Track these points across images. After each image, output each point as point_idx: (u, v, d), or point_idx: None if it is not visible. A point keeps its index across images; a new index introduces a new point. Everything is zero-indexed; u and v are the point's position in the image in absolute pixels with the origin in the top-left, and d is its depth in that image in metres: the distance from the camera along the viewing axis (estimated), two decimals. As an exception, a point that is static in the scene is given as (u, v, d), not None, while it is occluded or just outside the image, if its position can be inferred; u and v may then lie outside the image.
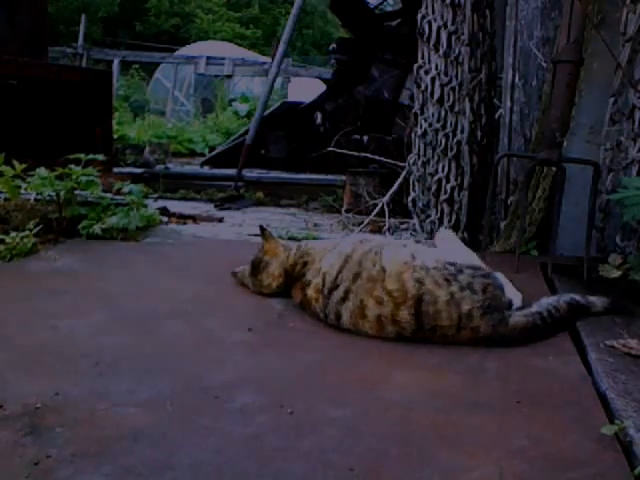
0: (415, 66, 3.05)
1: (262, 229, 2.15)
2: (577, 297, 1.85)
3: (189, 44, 16.25)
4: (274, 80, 5.58)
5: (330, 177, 4.68)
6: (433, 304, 1.65)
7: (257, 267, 2.09)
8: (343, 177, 4.07)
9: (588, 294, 1.91)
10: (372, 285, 1.72)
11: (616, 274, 2.39)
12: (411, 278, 1.69)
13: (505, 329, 1.67)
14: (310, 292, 1.88)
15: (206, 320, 1.87)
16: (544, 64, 2.90)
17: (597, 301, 1.88)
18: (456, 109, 2.92)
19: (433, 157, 3.00)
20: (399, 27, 5.82)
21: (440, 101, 2.94)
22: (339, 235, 3.18)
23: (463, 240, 2.92)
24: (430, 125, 2.98)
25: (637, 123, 2.51)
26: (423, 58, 3.00)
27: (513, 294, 1.82)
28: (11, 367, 1.49)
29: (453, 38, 2.88)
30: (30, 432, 1.19)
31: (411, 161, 3.16)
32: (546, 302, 1.80)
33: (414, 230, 3.11)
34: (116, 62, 12.56)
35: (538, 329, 1.72)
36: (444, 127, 2.94)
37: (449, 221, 2.96)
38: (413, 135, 3.13)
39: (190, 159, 6.99)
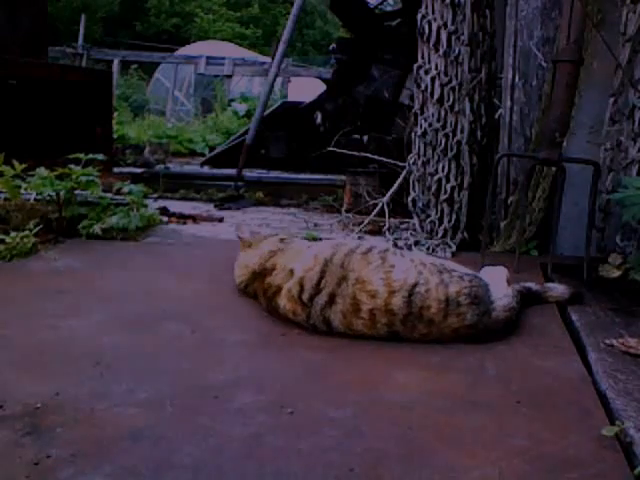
0: (415, 66, 3.05)
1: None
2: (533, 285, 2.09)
3: (189, 44, 16.25)
4: (274, 80, 5.56)
5: (330, 177, 4.67)
6: (425, 285, 1.76)
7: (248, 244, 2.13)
8: (343, 177, 4.06)
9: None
10: (362, 285, 1.75)
11: (616, 274, 2.40)
12: (415, 270, 1.81)
13: (489, 321, 1.79)
14: (283, 302, 1.83)
15: (206, 320, 1.88)
16: (544, 64, 2.90)
17: (555, 289, 2.10)
18: (456, 109, 2.91)
19: (433, 157, 3.00)
20: (399, 27, 5.82)
21: (440, 101, 2.93)
22: (339, 235, 3.18)
23: (463, 240, 2.93)
24: (430, 125, 2.98)
25: (637, 123, 2.52)
26: (423, 58, 3.00)
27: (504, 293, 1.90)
28: (11, 367, 1.49)
29: (453, 38, 2.88)
30: (30, 432, 1.19)
31: (411, 161, 3.16)
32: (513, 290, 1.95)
33: (414, 230, 3.11)
34: (116, 62, 12.56)
35: (514, 318, 1.89)
36: (444, 127, 2.94)
37: (449, 221, 2.95)
38: (413, 135, 3.13)
39: (190, 159, 6.97)
